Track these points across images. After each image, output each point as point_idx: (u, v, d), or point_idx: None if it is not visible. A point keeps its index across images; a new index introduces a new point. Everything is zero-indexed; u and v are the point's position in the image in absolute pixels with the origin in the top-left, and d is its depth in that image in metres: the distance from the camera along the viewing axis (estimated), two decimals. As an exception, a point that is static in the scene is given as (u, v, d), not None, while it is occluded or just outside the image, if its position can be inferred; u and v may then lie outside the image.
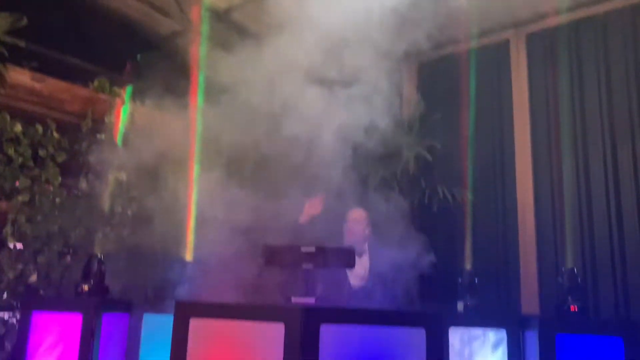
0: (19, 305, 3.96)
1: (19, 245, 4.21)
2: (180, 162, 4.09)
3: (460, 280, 3.67)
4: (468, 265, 3.87)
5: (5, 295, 4.07)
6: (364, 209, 3.92)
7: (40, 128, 4.33)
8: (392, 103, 3.92)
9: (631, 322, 3.04)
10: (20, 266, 4.11)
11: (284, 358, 2.72)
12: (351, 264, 3.07)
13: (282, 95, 3.71)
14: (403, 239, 3.94)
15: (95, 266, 3.66)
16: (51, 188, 4.29)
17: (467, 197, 4.87)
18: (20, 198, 4.16)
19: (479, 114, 5.24)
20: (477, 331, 3.41)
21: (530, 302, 4.69)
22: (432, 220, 4.86)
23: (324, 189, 3.69)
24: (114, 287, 4.21)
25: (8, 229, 4.12)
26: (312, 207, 3.90)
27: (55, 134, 4.43)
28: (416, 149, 4.92)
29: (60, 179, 4.35)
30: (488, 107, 5.31)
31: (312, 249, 3.12)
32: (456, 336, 3.40)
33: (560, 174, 4.77)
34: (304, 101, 3.66)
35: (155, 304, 3.76)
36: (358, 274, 3.90)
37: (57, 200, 4.32)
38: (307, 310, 2.79)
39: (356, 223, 3.98)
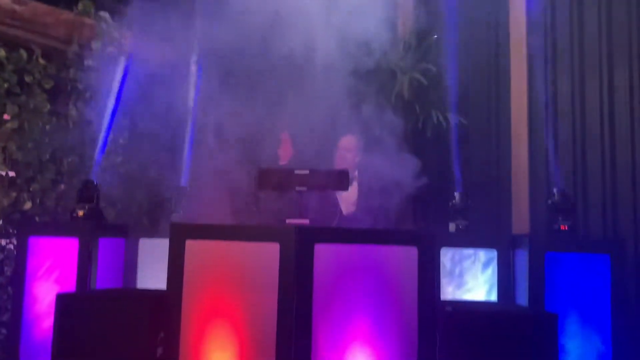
0: (15, 231, 3.99)
1: (12, 173, 4.19)
2: (173, 81, 4.00)
3: (452, 202, 3.71)
4: (460, 188, 3.89)
5: (1, 222, 4.09)
6: (357, 133, 3.90)
7: (24, 53, 4.21)
8: (388, 22, 3.82)
9: (618, 239, 3.10)
10: (14, 193, 4.11)
11: (279, 276, 2.78)
12: (344, 187, 3.08)
13: (276, 7, 3.60)
14: (397, 163, 3.95)
15: (89, 192, 3.66)
16: (40, 115, 4.23)
17: (461, 121, 4.84)
18: (9, 125, 4.10)
19: (474, 35, 5.14)
20: (468, 251, 3.48)
21: (521, 223, 4.77)
22: (425, 145, 4.86)
23: (318, 109, 3.65)
24: (109, 214, 4.25)
25: (-1, 156, 4.10)
26: (284, 151, 3.95)
27: (41, 60, 4.32)
28: (411, 73, 4.84)
29: (48, 106, 4.28)
30: (483, 28, 5.21)
31: (306, 172, 3.13)
32: (447, 256, 3.47)
33: (555, 97, 4.74)
34: (298, 14, 3.56)
35: (150, 228, 3.79)
36: (348, 200, 3.93)
37: (47, 127, 4.26)
38: (302, 229, 2.83)
39: (346, 150, 4.00)
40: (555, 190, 3.55)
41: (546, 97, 4.75)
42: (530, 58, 4.94)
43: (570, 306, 3.02)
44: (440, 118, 4.89)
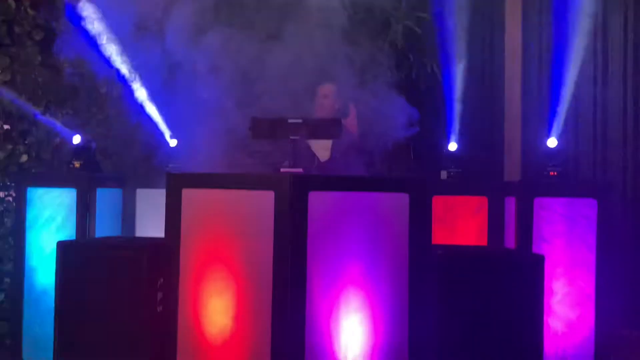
0: (12, 183, 4.03)
1: (6, 126, 4.21)
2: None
3: (444, 150, 3.77)
4: (452, 137, 3.95)
5: (-2, 175, 4.15)
6: (349, 79, 3.91)
7: (13, 4, 4.15)
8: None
9: (604, 184, 3.18)
10: (9, 146, 4.13)
11: (274, 223, 2.85)
12: (337, 135, 3.12)
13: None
14: (390, 112, 3.98)
15: (85, 144, 3.70)
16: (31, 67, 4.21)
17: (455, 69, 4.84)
18: (1, 77, 4.09)
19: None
20: (459, 198, 3.56)
21: (513, 171, 4.87)
22: (419, 94, 4.87)
23: (309, 54, 3.65)
24: (105, 167, 4.30)
25: (-8, 109, 4.11)
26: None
27: (30, 10, 4.26)
28: (404, 21, 4.81)
29: (40, 57, 4.25)
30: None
31: (299, 121, 3.16)
32: (439, 203, 3.55)
33: (549, 43, 4.74)
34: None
35: (147, 179, 3.84)
36: (324, 146, 3.94)
37: (40, 80, 4.25)
38: (296, 178, 2.88)
39: (325, 98, 4.02)
40: (546, 138, 3.61)
41: (539, 46, 4.75)
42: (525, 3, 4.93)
43: (557, 249, 3.12)
44: (435, 68, 4.89)
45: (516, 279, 2.84)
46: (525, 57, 5.01)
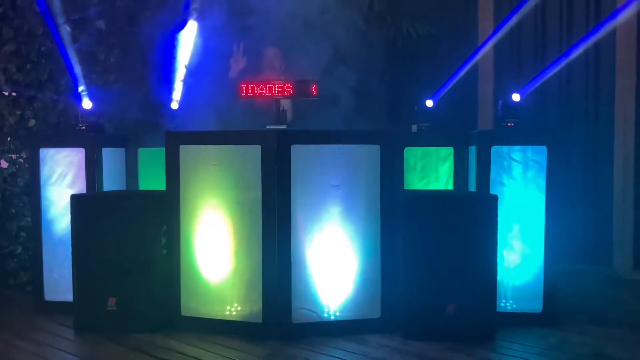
0: (24, 145, 4.39)
1: (14, 94, 4.54)
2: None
3: (416, 107, 4.13)
4: (426, 93, 4.28)
5: (9, 139, 4.49)
6: (327, 42, 4.21)
7: (15, -23, 4.43)
8: None
9: (556, 132, 3.54)
10: (18, 112, 4.47)
11: (262, 173, 3.26)
12: (311, 94, 3.46)
13: None
14: (367, 73, 4.34)
15: (89, 107, 4.02)
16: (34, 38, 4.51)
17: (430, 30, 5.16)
18: (7, 48, 4.41)
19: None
20: (429, 149, 3.96)
21: (486, 124, 5.24)
22: (396, 55, 5.19)
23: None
24: (108, 130, 4.65)
25: (1, 77, 4.42)
26: (236, 62, 4.32)
27: (31, -17, 4.52)
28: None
29: (42, 28, 4.53)
30: None
31: (284, 82, 3.53)
32: (410, 154, 3.95)
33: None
34: None
35: (147, 139, 4.20)
36: (289, 108, 4.26)
37: (42, 49, 4.55)
38: (280, 133, 3.29)
39: (270, 60, 4.33)
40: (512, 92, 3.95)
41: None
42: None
43: (513, 191, 3.52)
44: (411, 30, 5.20)
45: (475, 216, 3.27)
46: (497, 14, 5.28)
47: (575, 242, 4.79)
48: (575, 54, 4.85)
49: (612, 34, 4.74)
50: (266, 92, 3.51)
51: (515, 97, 3.85)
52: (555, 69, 4.82)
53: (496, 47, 5.37)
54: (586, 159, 4.93)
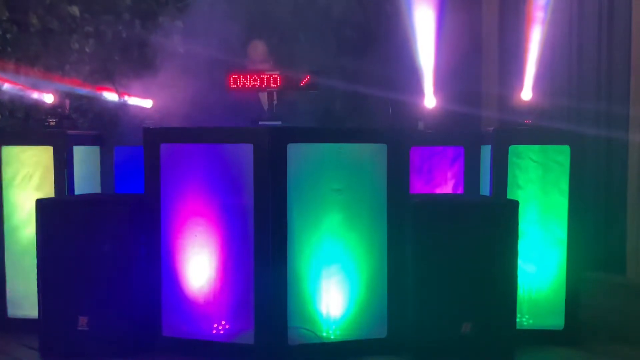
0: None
1: (-24, 86, 4.12)
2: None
3: (420, 106, 3.80)
4: (431, 93, 3.97)
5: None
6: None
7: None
8: None
9: (575, 133, 3.25)
10: (-19, 105, 4.07)
11: (254, 175, 2.88)
12: (299, 88, 3.15)
13: None
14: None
15: (60, 101, 3.64)
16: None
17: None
18: (-32, 34, 3.99)
19: None
20: (437, 148, 3.62)
21: (490, 121, 4.98)
22: (393, 50, 4.88)
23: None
24: (82, 125, 4.27)
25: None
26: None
27: (-5, -36, 4.12)
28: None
29: (7, 13, 4.13)
30: None
31: (276, 74, 3.17)
32: (416, 154, 3.60)
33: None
34: None
35: (124, 136, 3.82)
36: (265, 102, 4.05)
37: (8, 36, 4.15)
38: (275, 130, 2.91)
39: (264, 54, 4.08)
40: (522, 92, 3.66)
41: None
42: None
43: (531, 195, 3.20)
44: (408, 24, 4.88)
45: (492, 225, 2.93)
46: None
47: (586, 249, 4.51)
48: (587, 49, 4.65)
49: (627, 29, 4.49)
50: (259, 84, 3.14)
51: (526, 96, 3.56)
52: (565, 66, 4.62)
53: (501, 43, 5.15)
54: (598, 161, 4.65)
